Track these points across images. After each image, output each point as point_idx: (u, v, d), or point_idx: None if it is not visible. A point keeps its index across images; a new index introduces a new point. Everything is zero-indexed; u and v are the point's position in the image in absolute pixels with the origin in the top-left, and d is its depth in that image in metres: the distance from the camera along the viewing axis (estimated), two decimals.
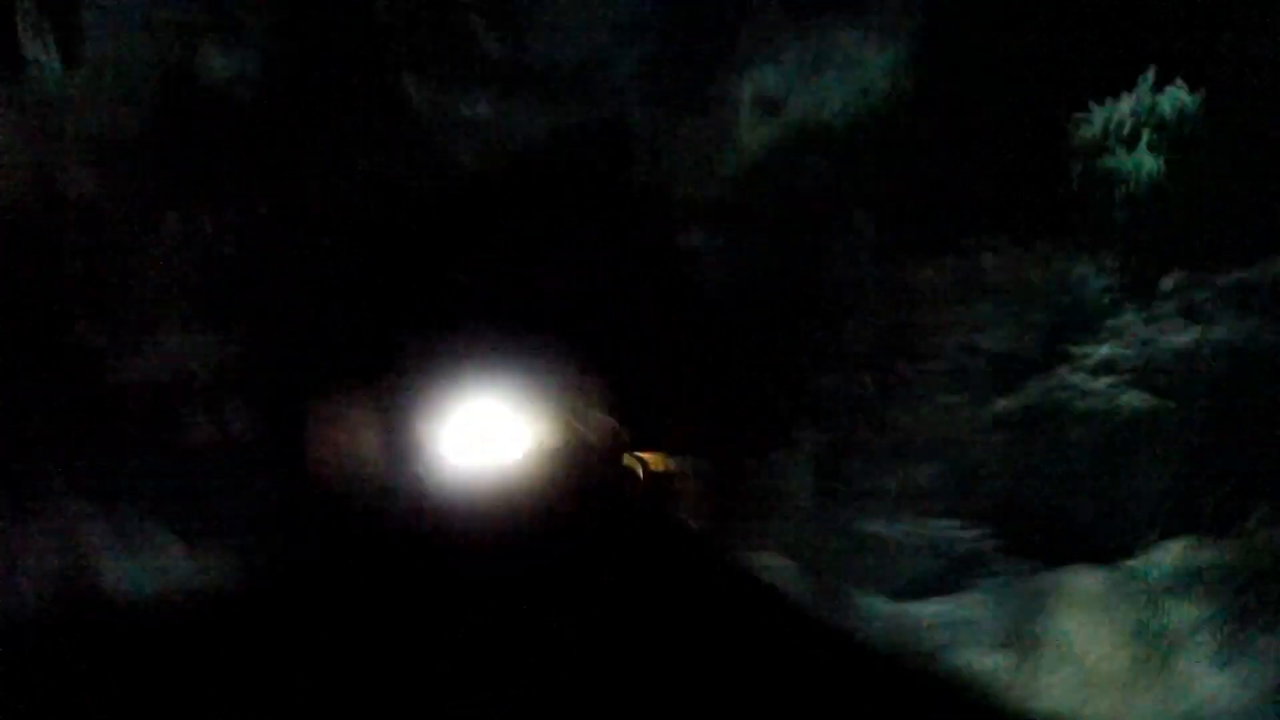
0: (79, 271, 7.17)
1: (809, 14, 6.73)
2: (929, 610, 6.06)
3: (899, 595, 6.35)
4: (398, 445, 8.38)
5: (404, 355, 8.37)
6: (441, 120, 7.43)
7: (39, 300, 7.08)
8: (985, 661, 5.58)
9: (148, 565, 7.22)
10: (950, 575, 6.28)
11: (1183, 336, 5.29)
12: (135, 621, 6.95)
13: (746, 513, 7.56)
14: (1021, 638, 5.47)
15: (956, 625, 5.83)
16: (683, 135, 7.69)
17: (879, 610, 6.34)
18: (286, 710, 5.93)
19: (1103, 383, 5.68)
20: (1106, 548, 5.40)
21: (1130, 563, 5.23)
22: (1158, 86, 5.26)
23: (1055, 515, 5.73)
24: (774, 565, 7.29)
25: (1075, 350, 5.84)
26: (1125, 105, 5.39)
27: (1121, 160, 5.54)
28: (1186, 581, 4.94)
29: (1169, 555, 5.09)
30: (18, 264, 6.92)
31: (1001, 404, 6.34)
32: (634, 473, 8.66)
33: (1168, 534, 5.18)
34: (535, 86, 7.48)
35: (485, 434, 8.72)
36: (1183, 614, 4.87)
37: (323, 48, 7.28)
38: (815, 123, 7.03)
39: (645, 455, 8.70)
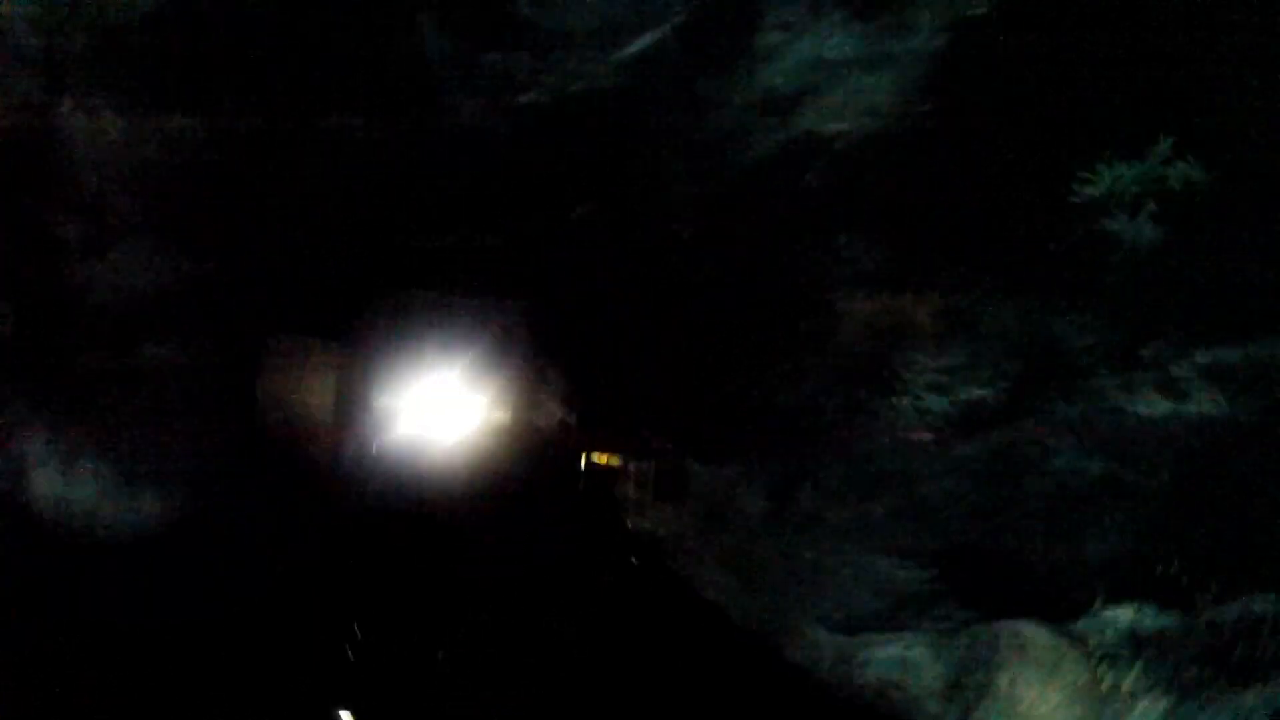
0: (65, 163, 7.16)
1: (831, 20, 6.68)
2: (872, 647, 6.09)
3: (842, 628, 6.38)
4: (348, 402, 8.13)
5: (368, 312, 8.12)
6: (451, 67, 7.24)
7: (18, 190, 7.14)
8: (929, 707, 5.62)
9: (82, 486, 7.15)
10: (896, 614, 6.35)
11: (1156, 408, 5.40)
12: (62, 544, 6.96)
13: (692, 523, 7.51)
14: (965, 687, 5.54)
15: (900, 666, 5.86)
16: (687, 124, 7.59)
17: (821, 641, 6.35)
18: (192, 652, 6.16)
19: (1068, 442, 5.77)
20: (1056, 605, 5.52)
21: (1079, 624, 5.33)
22: (1169, 158, 5.32)
23: (1006, 567, 5.83)
24: (717, 581, 7.24)
25: (1046, 406, 5.91)
26: (1133, 171, 5.43)
27: (1122, 225, 5.62)
28: (1134, 648, 5.08)
29: (1118, 620, 5.21)
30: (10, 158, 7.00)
31: (964, 448, 6.42)
32: (577, 463, 8.58)
33: (1117, 598, 5.30)
34: (551, 45, 7.38)
35: (436, 405, 8.53)
36: (1128, 679, 4.98)
37: None
38: (821, 134, 6.98)
39: (595, 452, 8.60)
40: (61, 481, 7.05)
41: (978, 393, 6.42)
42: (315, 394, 8.05)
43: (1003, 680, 5.52)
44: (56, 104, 6.99)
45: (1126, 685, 4.94)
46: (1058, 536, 5.63)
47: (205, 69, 7.23)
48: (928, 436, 6.76)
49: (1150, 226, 5.48)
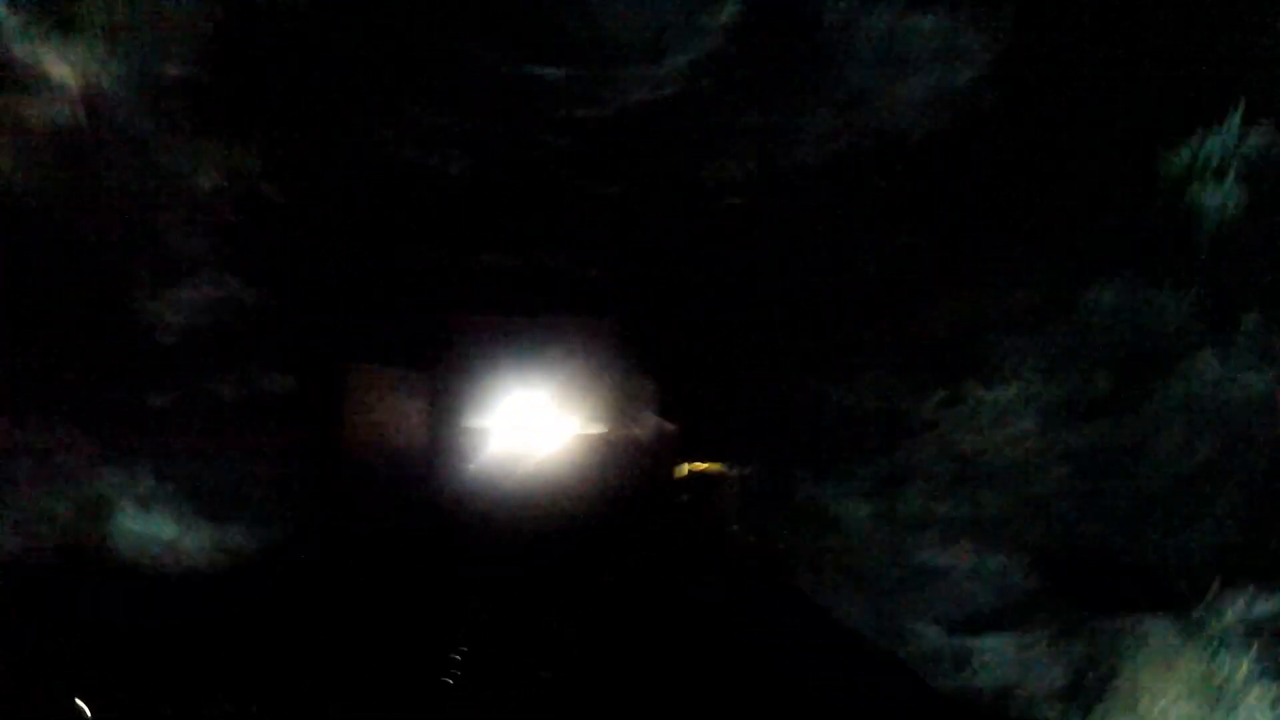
0: (117, 199, 7.90)
1: (890, 14, 7.30)
2: (988, 647, 6.76)
3: (957, 629, 7.06)
4: (438, 426, 9.21)
5: (451, 334, 9.17)
6: (505, 85, 8.12)
7: (75, 228, 7.82)
8: (1050, 709, 6.30)
9: (160, 524, 8.00)
10: (1012, 613, 6.99)
11: (1257, 382, 5.93)
12: (142, 583, 7.74)
13: (798, 529, 8.30)
14: (1086, 686, 6.20)
15: (1020, 666, 6.53)
16: (751, 127, 8.30)
17: (937, 643, 7.07)
18: (283, 688, 6.92)
19: (1176, 425, 6.34)
20: (1172, 595, 6.13)
21: (1195, 613, 5.94)
22: (1247, 122, 5.83)
23: (1121, 557, 6.48)
24: (827, 587, 8.02)
25: (1152, 389, 6.49)
26: (1214, 140, 5.96)
27: (1208, 194, 6.14)
28: (1248, 634, 5.66)
29: (1232, 605, 5.79)
30: (55, 191, 7.67)
31: (1072, 438, 7.01)
32: (678, 472, 9.46)
33: (1230, 583, 5.88)
34: (606, 56, 8.18)
35: (529, 422, 9.56)
36: (1243, 667, 5.57)
37: None
38: (893, 128, 7.63)
39: (695, 461, 9.47)
40: (142, 520, 7.94)
41: (1082, 379, 6.98)
42: (405, 421, 9.11)
43: (1123, 677, 6.18)
44: (115, 137, 7.75)
45: (1241, 673, 5.53)
46: (1170, 524, 6.23)
47: (260, 97, 8.11)
48: (1037, 426, 7.31)
49: (1236, 192, 5.99)
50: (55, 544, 7.63)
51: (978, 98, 7.25)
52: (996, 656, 6.96)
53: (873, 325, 8.07)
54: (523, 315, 9.49)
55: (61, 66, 7.29)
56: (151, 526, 7.99)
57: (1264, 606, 5.71)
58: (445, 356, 9.35)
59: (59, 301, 7.86)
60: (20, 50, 7.18)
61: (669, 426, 9.47)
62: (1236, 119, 5.94)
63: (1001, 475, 7.46)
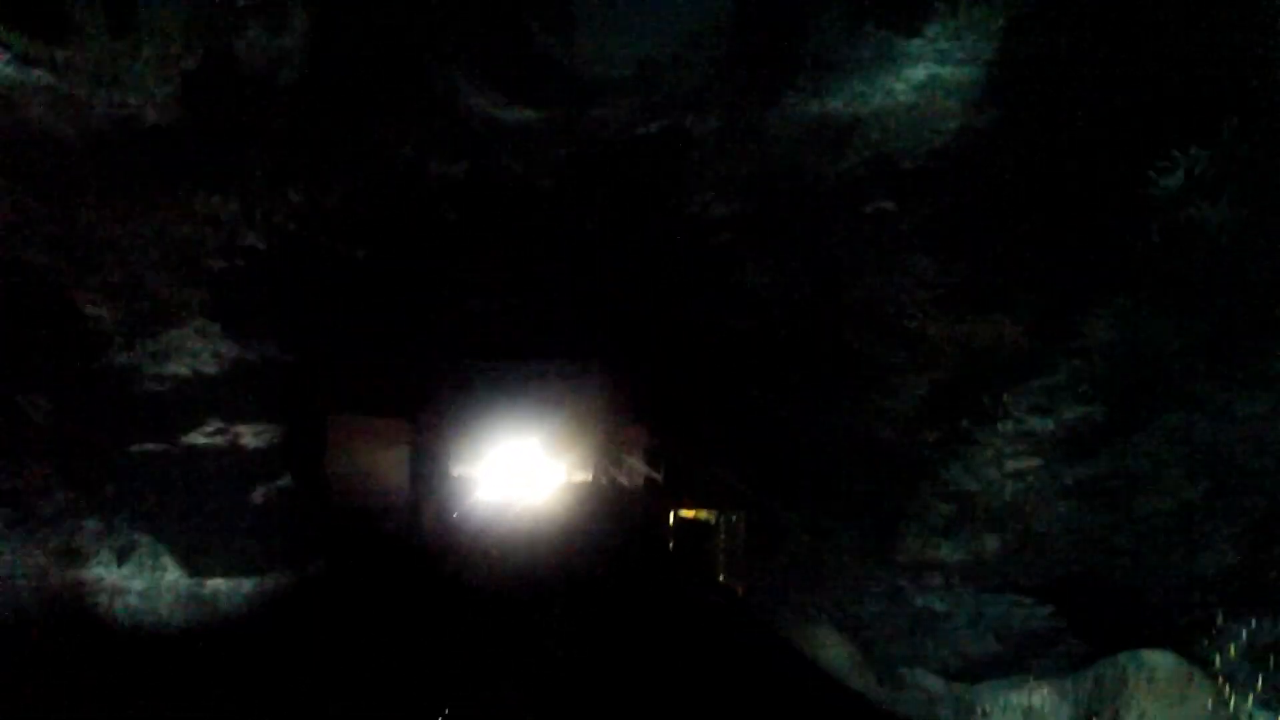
0: (96, 246, 8.23)
1: (877, 39, 7.63)
2: (994, 694, 6.90)
3: (960, 676, 7.21)
4: (421, 473, 9.49)
5: (436, 380, 9.46)
6: (490, 122, 8.44)
7: (49, 275, 8.15)
8: None
9: (141, 576, 8.42)
10: (1017, 656, 7.15)
11: (1257, 405, 6.17)
12: (134, 642, 8.18)
13: (790, 574, 8.45)
14: None
15: (1024, 712, 6.65)
16: (745, 154, 8.58)
17: (939, 692, 7.20)
18: None
19: (1177, 453, 6.55)
20: (1176, 627, 6.27)
21: (1201, 645, 6.09)
22: (1240, 135, 6.12)
23: (1123, 592, 6.63)
24: (819, 634, 8.15)
25: (1151, 419, 6.71)
26: (1208, 154, 6.24)
27: (1204, 211, 6.43)
28: (1254, 662, 5.81)
29: (1236, 636, 5.94)
30: (34, 233, 8.01)
31: (1074, 472, 7.22)
32: (665, 519, 9.73)
33: (1234, 614, 6.03)
34: (591, 92, 8.49)
35: (515, 469, 9.89)
36: (1250, 697, 5.71)
37: (369, 36, 8.28)
38: (883, 154, 7.92)
39: (682, 507, 9.73)
40: (117, 570, 8.36)
41: (1082, 410, 7.26)
42: (389, 469, 9.38)
43: (1131, 714, 6.27)
44: (89, 188, 8.07)
45: (1249, 702, 5.66)
46: (1172, 556, 6.41)
47: (242, 144, 8.42)
48: (1036, 463, 7.50)
49: (1230, 210, 6.27)
50: (30, 590, 7.99)
51: (968, 125, 7.57)
52: (1001, 703, 7.07)
53: (870, 357, 8.31)
54: (508, 361, 9.80)
55: (44, 107, 7.63)
56: (128, 577, 8.40)
57: (1267, 636, 5.86)
58: (428, 404, 9.64)
59: (36, 345, 8.22)
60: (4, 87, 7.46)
61: (656, 475, 9.72)
62: (1228, 135, 6.23)
63: (1002, 515, 7.68)
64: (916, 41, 7.38)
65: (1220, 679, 6.02)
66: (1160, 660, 6.42)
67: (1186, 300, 6.75)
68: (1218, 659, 6.10)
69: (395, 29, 8.34)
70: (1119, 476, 7.03)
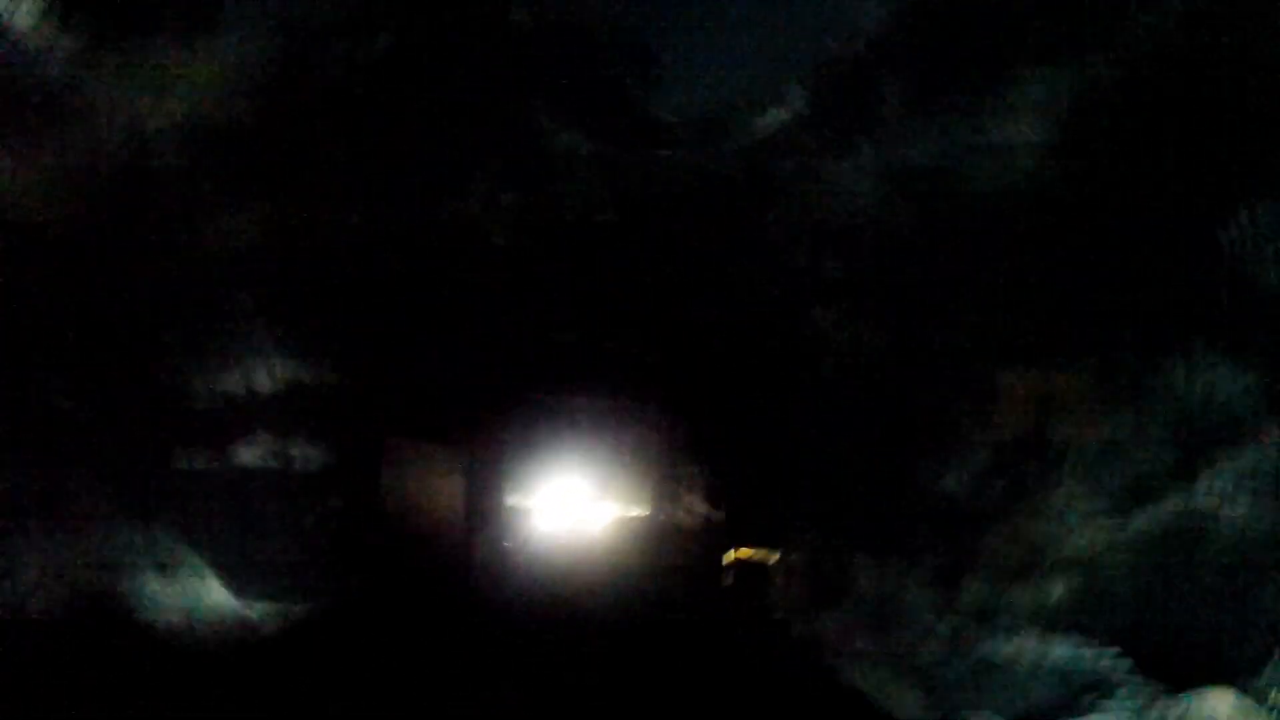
0: (156, 247, 8.92)
1: (953, 95, 8.70)
2: None
3: None
4: (476, 502, 10.32)
5: (494, 409, 10.38)
6: (568, 157, 9.48)
7: (110, 275, 8.81)
8: None
9: (183, 592, 9.04)
10: (1080, 700, 7.95)
11: None
12: (164, 649, 8.66)
13: (854, 620, 9.27)
14: None
15: None
16: (817, 207, 9.60)
17: None
18: None
19: (1243, 496, 7.41)
20: (1233, 668, 7.08)
21: (1259, 681, 6.89)
22: None
23: (1183, 635, 7.45)
24: (884, 681, 8.95)
25: (1217, 462, 7.61)
26: (1273, 205, 7.19)
27: (1267, 262, 7.38)
28: None
29: None
30: (92, 232, 8.64)
31: (1140, 520, 8.10)
32: (724, 559, 10.52)
33: None
34: (670, 132, 9.58)
35: (571, 502, 10.75)
36: None
37: (452, 62, 9.23)
38: (956, 202, 8.93)
39: (742, 548, 10.55)
40: (158, 581, 8.93)
41: (1149, 460, 8.11)
42: (443, 496, 10.29)
43: None
44: (150, 191, 8.66)
45: None
46: (1234, 596, 7.23)
47: (309, 154, 9.24)
48: (1104, 509, 8.37)
49: None
50: (68, 597, 8.52)
51: (1043, 178, 8.59)
52: None
53: (940, 406, 9.21)
54: (568, 394, 10.78)
55: (109, 106, 8.35)
56: (171, 591, 9.08)
57: None
58: (484, 432, 10.59)
59: (81, 348, 8.92)
60: (67, 84, 8.05)
61: (716, 513, 10.61)
62: None
63: (1069, 563, 8.51)
64: (990, 98, 8.44)
65: (1275, 716, 6.80)
66: (1221, 699, 7.21)
67: (1252, 350, 7.67)
68: (1274, 693, 6.88)
69: (479, 59, 9.45)
70: (1185, 523, 7.88)
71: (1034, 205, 8.71)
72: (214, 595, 9.16)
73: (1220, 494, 7.89)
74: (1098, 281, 8.45)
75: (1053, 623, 8.50)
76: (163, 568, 8.98)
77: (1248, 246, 7.66)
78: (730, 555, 10.57)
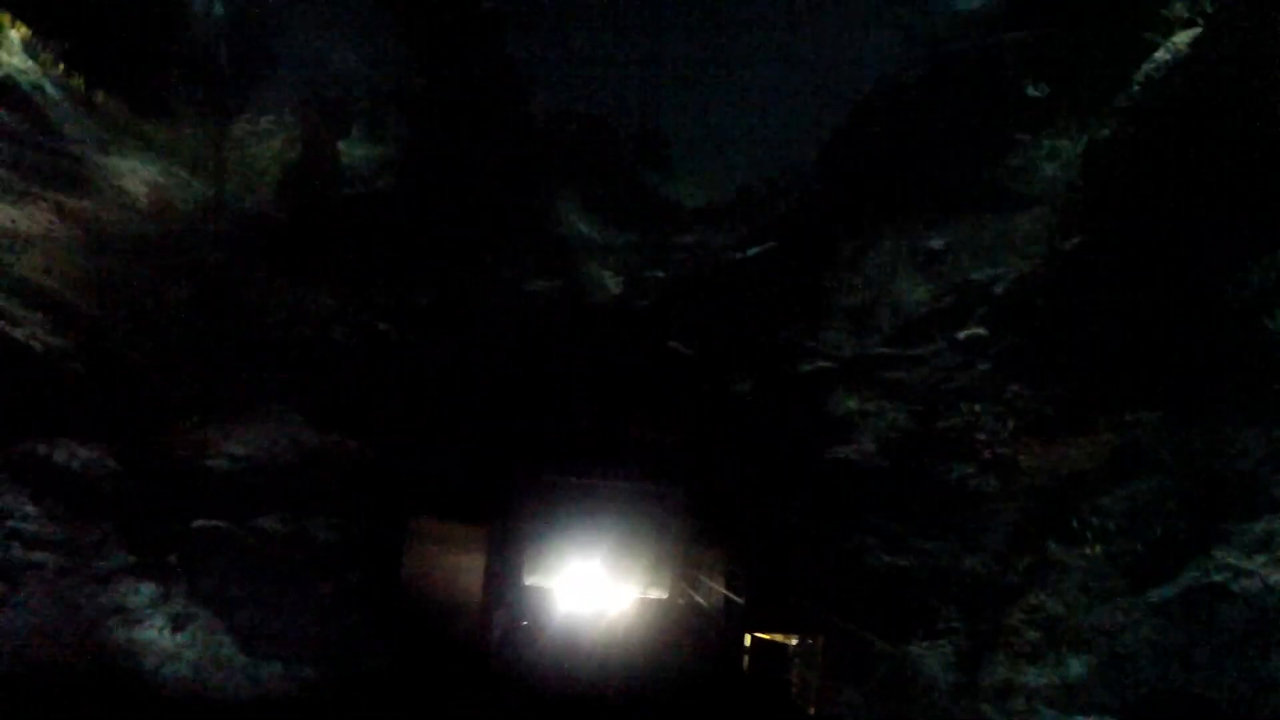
0: (178, 324, 9.50)
1: (964, 171, 8.85)
2: None
3: None
4: (498, 582, 10.32)
5: (515, 489, 10.45)
6: (588, 243, 9.78)
7: (127, 344, 9.32)
8: None
9: (193, 645, 9.16)
10: None
11: None
12: (178, 709, 8.81)
13: (874, 702, 8.99)
14: None
15: None
16: (835, 287, 9.72)
17: None
18: None
19: (1259, 560, 7.16)
20: None
21: None
22: None
23: (1200, 702, 7.12)
24: None
25: (1234, 527, 7.39)
26: None
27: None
28: None
29: None
30: (117, 299, 9.23)
31: (1160, 589, 7.85)
32: (742, 641, 10.33)
33: None
34: (686, 218, 9.83)
35: (591, 582, 10.69)
36: None
37: (471, 154, 9.71)
38: (975, 282, 9.00)
39: (762, 630, 10.35)
40: (170, 637, 9.10)
41: (1167, 527, 7.88)
42: (463, 575, 10.31)
43: None
44: (184, 258, 9.39)
45: None
46: (1248, 661, 6.94)
47: (337, 242, 9.95)
48: (1122, 583, 8.14)
49: None
50: (74, 642, 8.66)
51: (1055, 249, 8.65)
52: None
53: (955, 494, 9.10)
54: (589, 475, 10.82)
55: (136, 181, 9.10)
56: (182, 645, 9.24)
57: None
58: (506, 512, 10.65)
59: (105, 407, 9.28)
60: (94, 156, 8.89)
61: (735, 597, 10.45)
62: None
63: (1088, 637, 8.22)
64: (1001, 171, 8.57)
65: None
66: None
67: (1266, 410, 7.49)
68: None
69: (500, 151, 9.89)
70: (1203, 589, 7.59)
71: (1049, 278, 8.74)
72: (224, 651, 9.30)
73: (1238, 560, 7.61)
74: (1112, 351, 8.38)
75: (1072, 699, 8.17)
76: (177, 621, 9.12)
77: (1263, 303, 7.57)
78: (748, 638, 10.39)
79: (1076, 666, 8.50)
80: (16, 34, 8.22)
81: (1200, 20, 8.21)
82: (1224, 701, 7.35)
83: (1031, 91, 8.52)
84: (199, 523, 9.41)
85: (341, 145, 9.83)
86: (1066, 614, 8.66)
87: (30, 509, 8.43)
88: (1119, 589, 8.46)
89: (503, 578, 10.84)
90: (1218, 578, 7.87)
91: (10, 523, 8.23)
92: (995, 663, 8.92)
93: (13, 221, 8.45)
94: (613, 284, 10.41)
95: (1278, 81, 7.52)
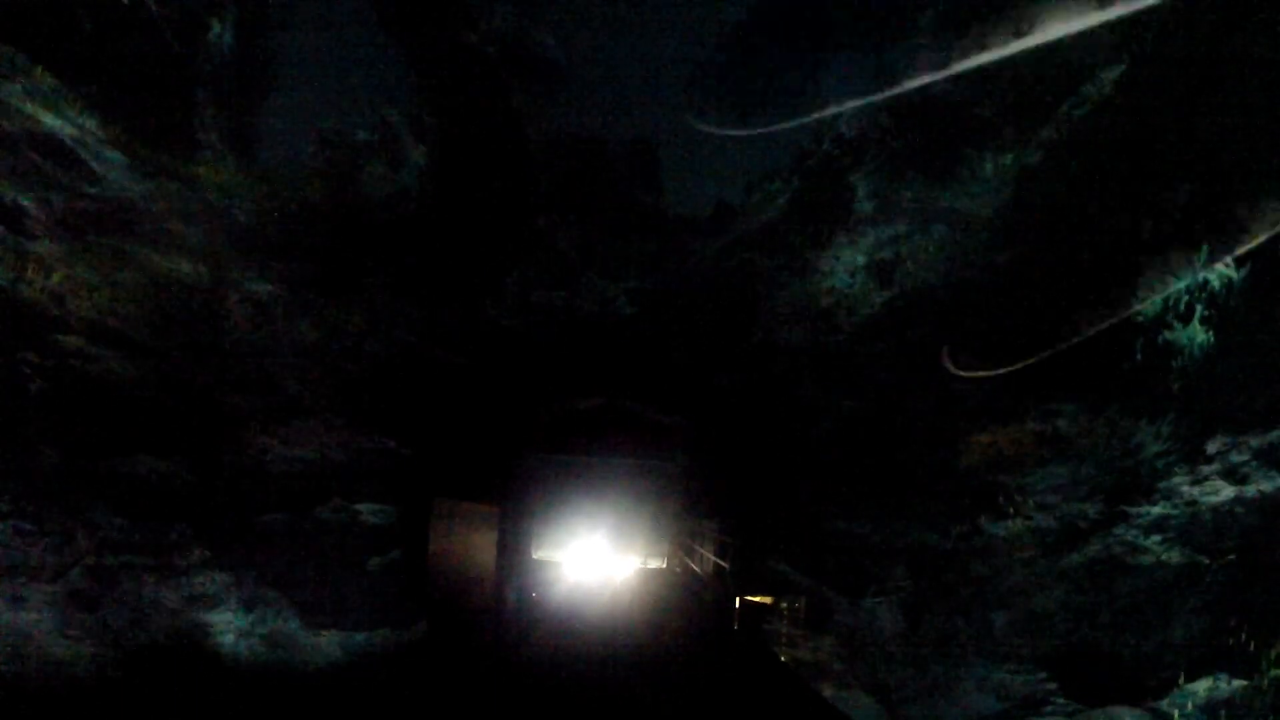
0: (233, 346, 10.45)
1: (915, 187, 9.86)
2: None
3: None
4: (509, 554, 11.54)
5: (523, 471, 11.63)
6: (585, 256, 10.77)
7: (203, 369, 10.30)
8: None
9: (262, 623, 10.46)
10: (1013, 714, 8.96)
11: (1222, 495, 8.13)
12: (252, 676, 10.15)
13: (835, 649, 10.36)
14: None
15: None
16: (801, 294, 10.79)
17: None
18: None
19: (1153, 540, 8.50)
20: (1143, 688, 8.11)
21: (1164, 702, 7.93)
22: (1208, 264, 8.12)
23: (1105, 659, 8.50)
24: (857, 699, 10.02)
25: (1132, 510, 8.70)
26: (1181, 283, 8.26)
27: (1178, 333, 8.45)
28: (1211, 714, 7.62)
29: (1196, 694, 7.77)
30: (175, 332, 10.10)
31: (1069, 558, 9.14)
32: (732, 603, 11.59)
33: (1194, 675, 7.88)
34: (674, 230, 10.82)
35: (595, 554, 11.87)
36: None
37: (480, 181, 10.59)
38: (922, 287, 10.06)
39: (747, 593, 11.64)
40: (243, 617, 10.39)
41: (1078, 507, 9.19)
42: (479, 549, 11.50)
43: None
44: (231, 292, 10.27)
45: None
46: (1145, 626, 8.30)
47: (368, 265, 10.96)
48: (1039, 552, 9.45)
49: (1202, 330, 8.31)
50: (162, 624, 9.96)
51: (990, 260, 9.72)
52: None
53: (905, 474, 10.35)
54: (591, 458, 12.00)
55: (180, 220, 9.86)
56: (253, 623, 10.40)
57: (1225, 688, 7.71)
58: (515, 493, 11.83)
59: (181, 426, 10.38)
60: (139, 200, 9.49)
61: (724, 564, 11.73)
62: (1201, 262, 8.20)
63: (1009, 596, 9.55)
64: (946, 194, 9.60)
65: None
66: (1129, 716, 8.20)
67: (1167, 410, 8.72)
68: (1177, 714, 7.85)
69: (503, 176, 10.80)
70: (1105, 562, 8.93)
71: (986, 285, 9.82)
72: (290, 625, 10.47)
73: (1134, 540, 8.92)
74: (1039, 349, 9.53)
75: (995, 648, 9.56)
76: (248, 603, 10.35)
77: (1166, 316, 8.70)
78: (737, 600, 11.63)
79: (999, 620, 9.86)
80: (47, 84, 8.75)
81: (1125, 57, 9.10)
82: (1128, 657, 8.76)
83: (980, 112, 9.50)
84: (264, 517, 10.53)
85: (363, 177, 10.64)
86: (992, 576, 9.99)
87: (117, 519, 9.51)
88: (1035, 556, 9.80)
89: (514, 552, 11.98)
90: (1118, 550, 9.20)
91: (101, 533, 9.27)
92: (933, 616, 10.28)
93: (77, 269, 9.26)
94: (608, 292, 11.37)
95: (1191, 122, 8.52)
